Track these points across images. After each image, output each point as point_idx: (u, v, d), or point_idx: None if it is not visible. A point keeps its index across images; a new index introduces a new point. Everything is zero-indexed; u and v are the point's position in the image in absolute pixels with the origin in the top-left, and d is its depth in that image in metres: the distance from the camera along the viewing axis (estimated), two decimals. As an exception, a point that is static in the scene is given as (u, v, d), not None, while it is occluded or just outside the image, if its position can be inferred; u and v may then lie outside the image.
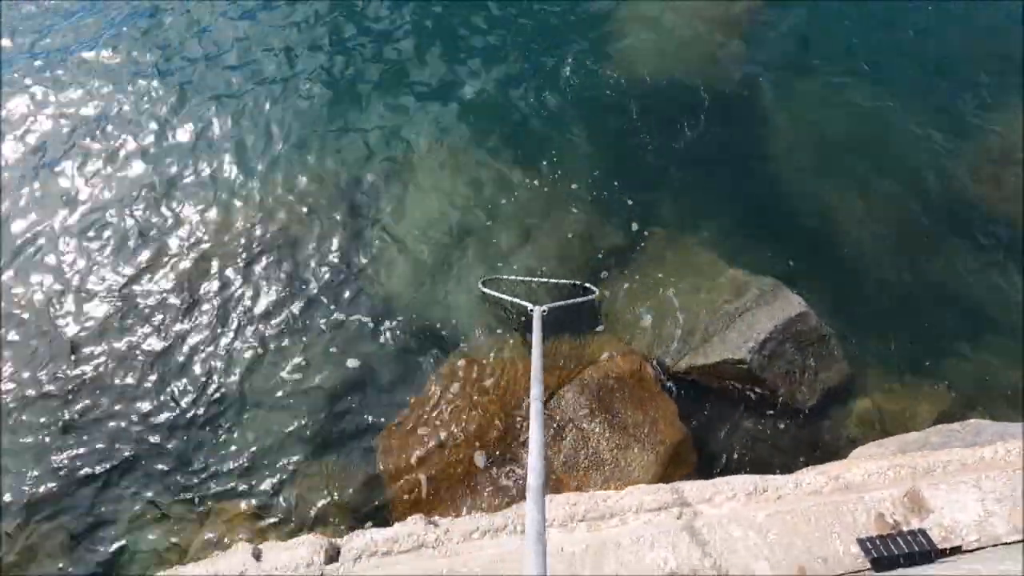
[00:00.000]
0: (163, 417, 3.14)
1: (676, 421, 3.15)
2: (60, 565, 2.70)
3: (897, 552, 1.68)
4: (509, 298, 3.50)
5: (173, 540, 2.64)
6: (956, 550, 1.69)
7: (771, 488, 2.04)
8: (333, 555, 1.95)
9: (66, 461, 2.99)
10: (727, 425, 3.26)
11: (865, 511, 1.83)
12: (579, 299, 3.57)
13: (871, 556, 1.69)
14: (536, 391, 1.77)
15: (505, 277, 3.69)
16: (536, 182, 4.08)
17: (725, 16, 5.03)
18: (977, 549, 1.75)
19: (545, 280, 3.65)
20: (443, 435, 3.09)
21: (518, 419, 3.14)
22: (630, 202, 4.04)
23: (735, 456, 3.17)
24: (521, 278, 3.66)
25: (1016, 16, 5.17)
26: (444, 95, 4.46)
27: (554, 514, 1.98)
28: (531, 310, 2.88)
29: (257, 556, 1.98)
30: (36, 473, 2.95)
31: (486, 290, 3.59)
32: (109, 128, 4.27)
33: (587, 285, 3.67)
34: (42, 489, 2.90)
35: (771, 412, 3.31)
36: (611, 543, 1.82)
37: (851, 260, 4.00)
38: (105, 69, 4.59)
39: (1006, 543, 1.75)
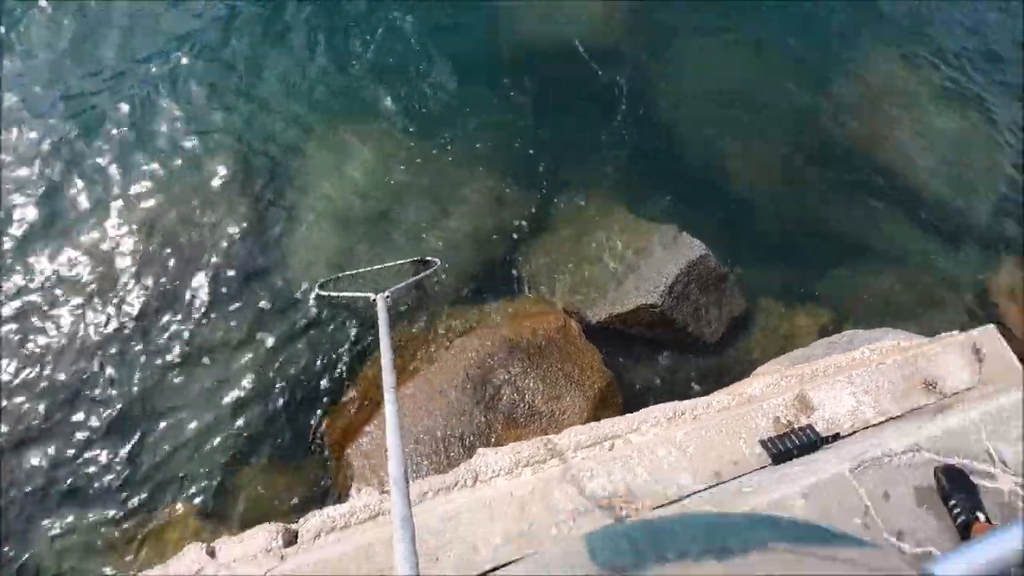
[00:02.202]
0: (82, 433, 2.96)
1: (601, 367, 3.39)
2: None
3: (791, 446, 1.98)
4: (350, 294, 3.40)
5: (115, 559, 2.54)
6: (836, 436, 2.02)
7: (687, 411, 2.30)
8: (291, 539, 1.99)
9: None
10: (647, 365, 3.56)
11: (764, 417, 2.12)
12: (422, 274, 3.51)
13: (771, 453, 1.98)
14: (388, 381, 1.68)
15: (344, 274, 3.56)
16: (439, 155, 4.10)
17: None
18: (852, 433, 2.09)
19: (387, 265, 3.55)
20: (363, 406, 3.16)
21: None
22: (535, 167, 4.18)
23: (656, 391, 3.48)
24: (361, 270, 3.55)
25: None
26: (338, 72, 4.33)
27: (501, 463, 2.13)
28: (373, 299, 2.75)
29: (211, 553, 1.98)
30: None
31: (324, 292, 3.48)
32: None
33: (427, 259, 3.65)
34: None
35: (685, 348, 3.65)
36: (555, 480, 1.99)
37: (740, 203, 4.40)
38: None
39: (873, 424, 2.10)
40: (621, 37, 4.92)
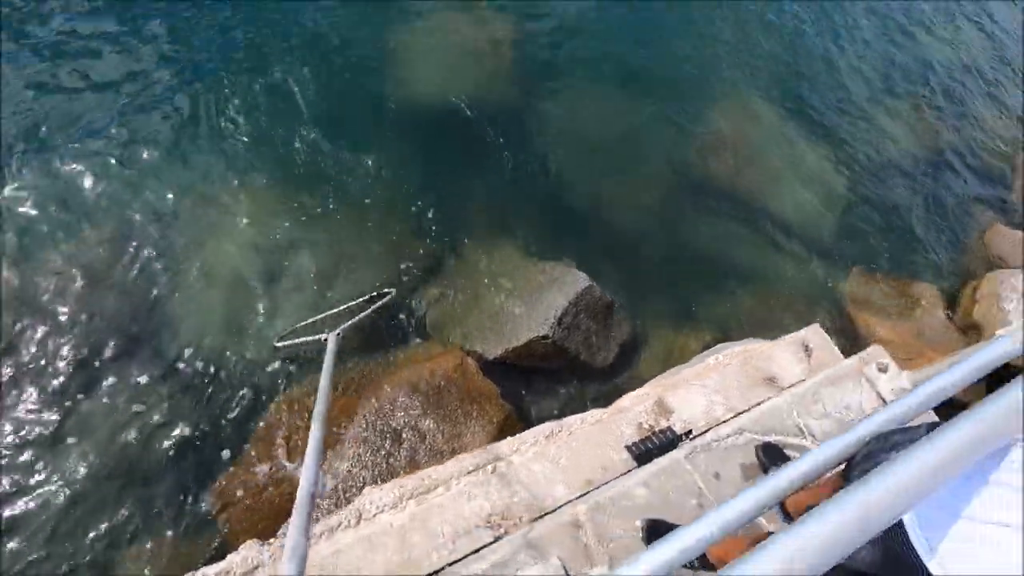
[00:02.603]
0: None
1: (499, 401, 3.51)
2: None
3: (651, 447, 2.16)
4: (304, 339, 3.43)
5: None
6: (689, 433, 2.23)
7: (564, 428, 2.45)
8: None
9: None
10: (545, 394, 3.72)
11: (629, 425, 2.31)
12: (376, 305, 3.61)
13: (634, 455, 2.15)
14: (320, 409, 1.78)
15: (299, 325, 3.58)
16: (327, 211, 4.16)
17: (490, 39, 5.64)
18: (707, 430, 2.31)
19: (339, 308, 3.61)
20: (266, 472, 3.08)
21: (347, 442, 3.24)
22: (424, 216, 4.33)
23: (554, 418, 3.62)
24: (315, 317, 3.58)
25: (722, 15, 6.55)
26: (215, 135, 4.35)
27: (385, 500, 2.16)
28: (324, 339, 2.78)
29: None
30: None
31: (282, 344, 3.50)
32: None
33: (382, 291, 3.75)
34: None
35: (579, 375, 3.84)
36: (436, 507, 2.05)
37: (621, 237, 4.76)
38: None
39: (723, 420, 2.33)
40: (506, 88, 5.31)
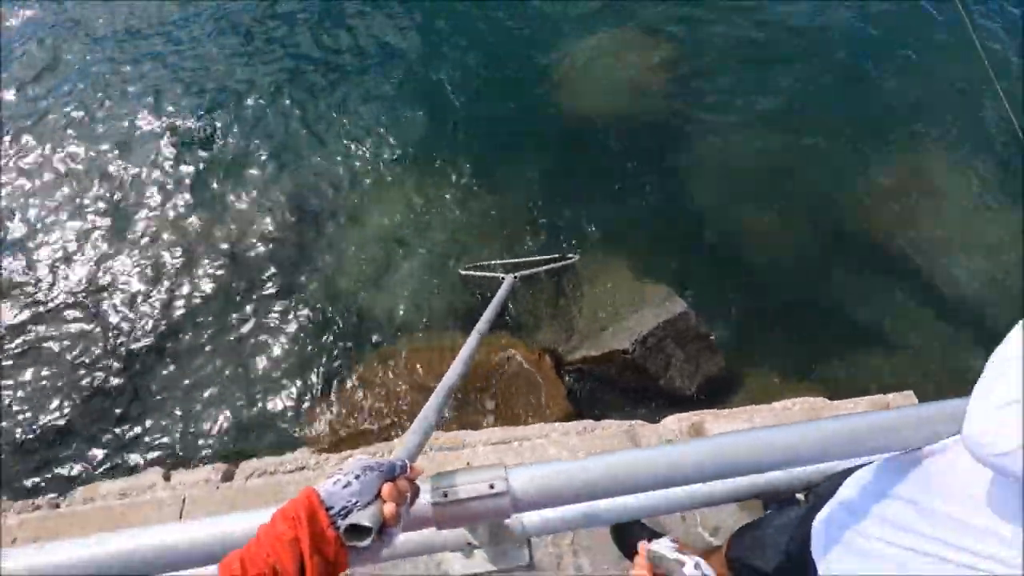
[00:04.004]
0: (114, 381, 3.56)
1: (563, 400, 3.59)
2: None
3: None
4: (488, 274, 3.95)
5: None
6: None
7: (599, 428, 2.49)
8: (229, 476, 2.36)
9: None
10: (608, 406, 3.71)
11: (655, 437, 2.28)
12: (555, 264, 4.01)
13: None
14: (482, 327, 1.96)
15: (484, 263, 4.12)
16: (477, 199, 4.62)
17: (651, 61, 5.73)
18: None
19: (526, 259, 4.06)
20: (361, 411, 3.53)
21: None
22: (552, 218, 4.57)
23: (614, 431, 3.61)
24: (499, 261, 4.10)
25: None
26: (392, 122, 5.07)
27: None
28: (502, 277, 3.13)
29: (167, 477, 2.38)
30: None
31: (464, 272, 4.06)
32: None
33: (568, 255, 4.15)
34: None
35: (650, 396, 3.77)
36: (451, 463, 2.25)
37: (746, 274, 4.51)
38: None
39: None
40: (658, 109, 5.35)
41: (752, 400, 3.85)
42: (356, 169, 4.75)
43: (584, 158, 4.97)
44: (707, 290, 4.31)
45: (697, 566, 0.91)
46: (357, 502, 0.76)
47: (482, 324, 1.97)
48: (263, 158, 4.76)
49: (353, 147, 4.87)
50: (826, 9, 6.18)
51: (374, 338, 3.95)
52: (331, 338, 3.92)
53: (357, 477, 0.78)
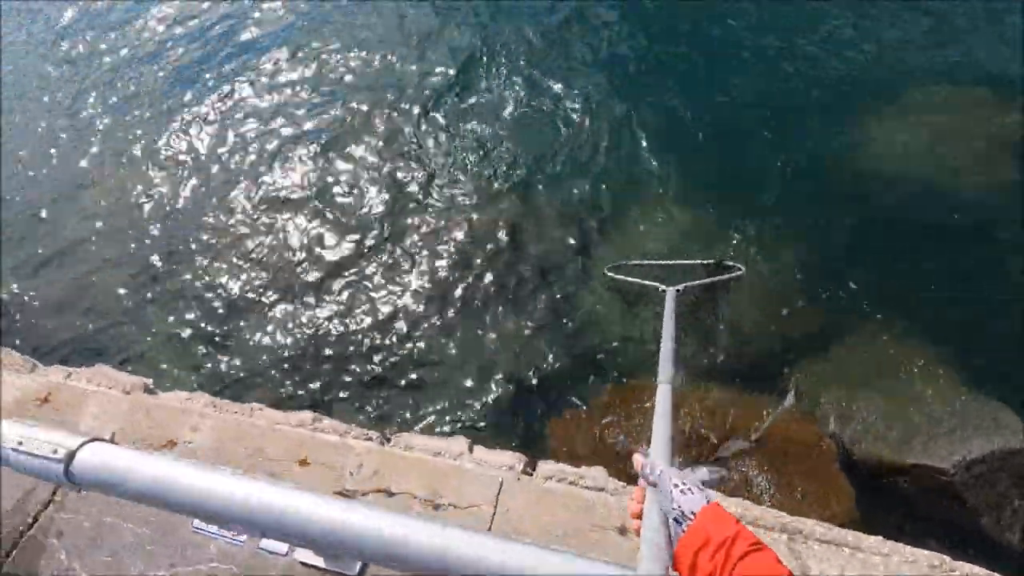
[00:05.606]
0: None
1: (851, 506, 3.05)
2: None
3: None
4: (639, 281, 3.32)
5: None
6: None
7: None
8: (530, 468, 2.37)
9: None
10: (902, 529, 3.06)
11: None
12: (722, 277, 3.29)
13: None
14: (666, 372, 1.66)
15: (633, 263, 3.52)
16: (749, 244, 4.20)
17: (996, 131, 4.74)
18: None
19: (682, 262, 3.40)
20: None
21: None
22: (847, 281, 3.97)
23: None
24: (651, 262, 3.45)
25: None
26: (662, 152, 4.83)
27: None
28: (662, 290, 2.62)
29: (470, 449, 2.48)
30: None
31: (611, 274, 3.50)
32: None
33: (729, 263, 3.41)
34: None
35: (959, 535, 3.03)
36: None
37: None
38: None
39: None
40: (992, 192, 4.41)
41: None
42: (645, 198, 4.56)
43: (884, 224, 4.27)
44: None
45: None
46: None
47: (665, 366, 1.66)
48: (557, 167, 4.81)
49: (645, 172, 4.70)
50: None
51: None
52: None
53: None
